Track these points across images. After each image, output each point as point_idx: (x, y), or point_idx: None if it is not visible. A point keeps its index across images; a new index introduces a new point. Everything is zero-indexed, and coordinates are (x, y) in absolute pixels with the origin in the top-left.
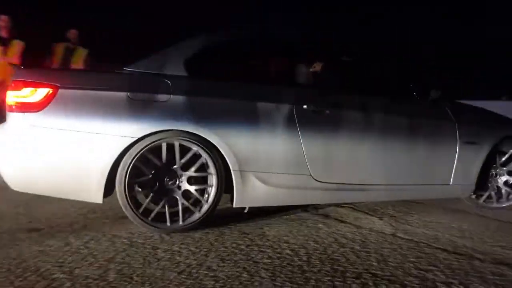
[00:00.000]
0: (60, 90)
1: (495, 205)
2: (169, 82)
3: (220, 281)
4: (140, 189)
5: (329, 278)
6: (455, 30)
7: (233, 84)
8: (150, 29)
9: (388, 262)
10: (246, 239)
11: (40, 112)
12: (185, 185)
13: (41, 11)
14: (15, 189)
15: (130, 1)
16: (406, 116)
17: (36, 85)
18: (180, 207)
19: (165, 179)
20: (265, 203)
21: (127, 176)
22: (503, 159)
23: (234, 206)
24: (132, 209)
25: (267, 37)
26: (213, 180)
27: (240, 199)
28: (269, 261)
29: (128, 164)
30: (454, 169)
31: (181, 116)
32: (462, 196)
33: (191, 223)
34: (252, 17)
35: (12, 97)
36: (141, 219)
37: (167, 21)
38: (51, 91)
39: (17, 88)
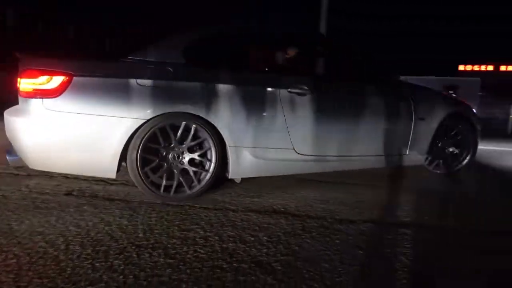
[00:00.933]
0: (74, 78)
1: (442, 171)
2: (171, 69)
3: None
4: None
5: (89, 261)
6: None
7: (226, 71)
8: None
9: (154, 230)
10: None
11: (57, 97)
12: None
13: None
14: (33, 167)
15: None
16: (374, 98)
17: (52, 73)
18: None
19: (170, 156)
20: (256, 174)
21: (138, 153)
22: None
23: (229, 177)
24: (144, 183)
25: (252, 31)
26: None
27: (235, 171)
28: (15, 261)
29: (138, 143)
30: (410, 141)
31: (182, 100)
32: (417, 164)
33: (194, 192)
34: (251, 16)
35: (30, 84)
36: (152, 191)
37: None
38: (66, 79)
39: (34, 76)
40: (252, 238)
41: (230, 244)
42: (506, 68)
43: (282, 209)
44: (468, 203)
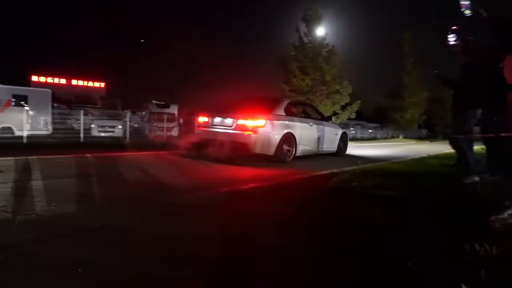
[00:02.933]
0: (267, 121)
1: (338, 154)
2: (285, 115)
3: None
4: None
5: None
6: None
7: (299, 117)
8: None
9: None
10: None
11: (263, 127)
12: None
13: None
14: (255, 152)
15: None
16: (326, 125)
17: (262, 119)
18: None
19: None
20: (302, 154)
21: (283, 145)
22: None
23: (296, 155)
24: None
25: (307, 102)
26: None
27: (297, 153)
28: None
29: (280, 141)
30: (337, 143)
31: (287, 127)
32: (337, 153)
33: (289, 160)
34: None
35: (251, 125)
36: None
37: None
38: (265, 122)
39: (253, 119)
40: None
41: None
42: (77, 82)
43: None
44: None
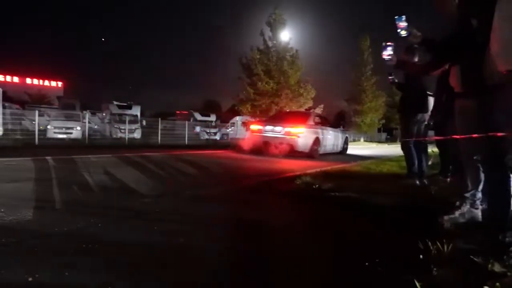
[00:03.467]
0: (305, 129)
1: (341, 153)
2: (318, 122)
3: None
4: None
5: None
6: None
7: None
8: None
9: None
10: None
11: (303, 133)
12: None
13: None
14: (298, 150)
15: None
16: (336, 132)
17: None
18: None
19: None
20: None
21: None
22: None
23: (320, 153)
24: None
25: (323, 116)
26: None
27: (320, 151)
28: None
29: (315, 140)
30: (342, 145)
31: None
32: (342, 152)
33: (319, 154)
34: None
35: (295, 132)
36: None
37: None
38: (304, 130)
39: (296, 127)
40: None
41: None
42: (32, 80)
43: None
44: None
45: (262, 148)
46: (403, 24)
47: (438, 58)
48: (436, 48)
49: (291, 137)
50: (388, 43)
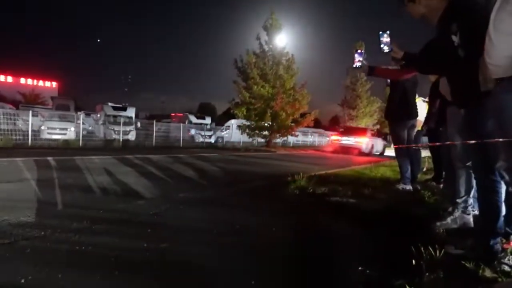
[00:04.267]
0: (367, 139)
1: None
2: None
3: None
4: None
5: None
6: None
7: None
8: None
9: None
10: None
11: (365, 141)
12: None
13: None
14: (363, 151)
15: None
16: (380, 138)
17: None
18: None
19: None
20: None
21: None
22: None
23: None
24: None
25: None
26: None
27: (373, 152)
28: None
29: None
30: (382, 148)
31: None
32: (382, 153)
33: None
34: None
35: (361, 141)
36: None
37: None
38: (366, 140)
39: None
40: None
41: None
42: (26, 80)
43: None
44: None
45: (339, 150)
46: (386, 39)
47: (420, 71)
48: (417, 64)
49: (359, 143)
50: (359, 50)
